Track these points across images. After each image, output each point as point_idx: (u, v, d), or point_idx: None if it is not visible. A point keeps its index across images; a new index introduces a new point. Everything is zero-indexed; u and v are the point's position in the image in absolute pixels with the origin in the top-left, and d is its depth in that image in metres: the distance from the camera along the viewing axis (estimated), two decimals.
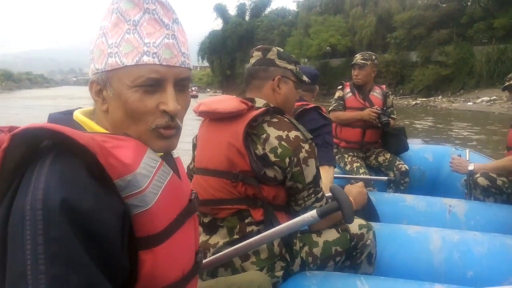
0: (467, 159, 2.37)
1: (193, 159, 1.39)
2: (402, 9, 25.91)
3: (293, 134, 1.14)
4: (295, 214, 1.18)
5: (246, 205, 1.15)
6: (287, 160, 1.11)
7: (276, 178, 1.14)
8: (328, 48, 28.38)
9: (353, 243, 1.27)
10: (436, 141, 7.38)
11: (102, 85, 0.65)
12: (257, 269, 1.12)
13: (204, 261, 1.01)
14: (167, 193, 0.64)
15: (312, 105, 1.83)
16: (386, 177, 2.39)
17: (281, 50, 1.28)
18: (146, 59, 0.62)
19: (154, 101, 0.63)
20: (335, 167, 1.87)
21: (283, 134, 1.13)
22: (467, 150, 2.59)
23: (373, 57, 2.69)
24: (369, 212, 1.79)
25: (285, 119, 1.19)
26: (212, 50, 42.48)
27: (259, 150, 1.13)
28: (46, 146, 0.58)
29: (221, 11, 43.50)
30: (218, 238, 1.18)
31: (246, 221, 1.16)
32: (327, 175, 1.64)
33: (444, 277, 1.36)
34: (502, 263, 1.37)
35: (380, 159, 2.67)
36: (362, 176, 2.38)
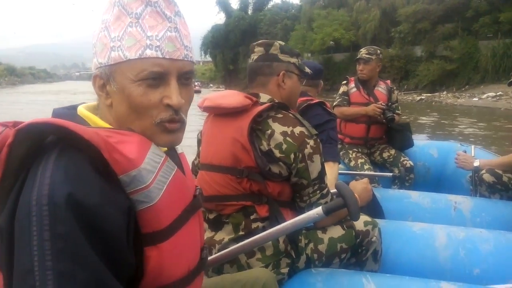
0: (473, 155, 2.35)
1: (198, 155, 1.38)
2: (406, 2, 25.68)
3: (298, 129, 1.13)
4: (300, 210, 1.18)
5: (251, 201, 1.15)
6: (292, 156, 1.11)
7: (281, 174, 1.13)
8: (331, 42, 28.18)
9: (358, 240, 1.26)
10: (441, 137, 7.35)
11: (106, 79, 0.64)
12: (262, 265, 1.12)
13: (209, 258, 1.01)
14: (172, 189, 0.64)
15: (317, 101, 1.81)
16: (391, 173, 2.37)
17: (283, 43, 1.27)
18: (149, 52, 0.61)
19: (158, 95, 0.63)
20: (339, 163, 1.86)
21: (288, 129, 1.12)
22: (473, 146, 2.56)
23: (378, 51, 2.66)
24: (374, 208, 1.78)
25: (290, 115, 1.18)
26: (214, 44, 42.34)
27: (264, 146, 1.12)
28: (51, 141, 0.58)
29: (223, 4, 43.29)
30: (223, 235, 1.18)
31: (251, 217, 1.15)
32: (332, 171, 1.63)
33: (450, 275, 1.35)
34: (508, 260, 1.37)
35: (385, 155, 2.66)
36: (366, 172, 2.37)
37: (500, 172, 2.06)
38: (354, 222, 1.26)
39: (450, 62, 21.87)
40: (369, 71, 2.62)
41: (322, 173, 1.16)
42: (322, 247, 1.20)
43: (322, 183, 1.17)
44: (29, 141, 0.56)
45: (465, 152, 2.34)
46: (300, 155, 1.11)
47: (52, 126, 0.56)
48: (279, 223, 1.07)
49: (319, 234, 1.22)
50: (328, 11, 29.19)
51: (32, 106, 16.57)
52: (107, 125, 0.65)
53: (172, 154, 0.73)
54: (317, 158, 1.14)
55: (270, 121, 1.14)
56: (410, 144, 2.70)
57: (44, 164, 0.55)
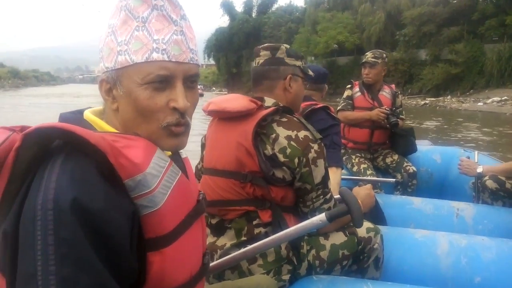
0: (476, 161, 2.34)
1: (202, 159, 1.38)
2: (411, 5, 25.56)
3: (302, 134, 1.13)
4: (303, 215, 1.18)
5: (254, 206, 1.15)
6: (296, 160, 1.11)
7: (285, 178, 1.13)
8: (335, 45, 28.12)
9: (360, 246, 1.26)
10: (445, 142, 7.30)
11: (112, 83, 0.65)
12: (263, 272, 1.12)
13: (211, 264, 1.00)
14: (176, 194, 0.64)
15: (321, 105, 1.81)
16: (394, 179, 2.36)
17: (288, 47, 1.27)
18: (155, 55, 0.62)
19: (164, 98, 0.63)
20: (342, 168, 1.85)
21: (293, 134, 1.12)
22: (476, 152, 2.55)
23: (384, 55, 2.66)
24: (376, 214, 1.77)
25: (295, 119, 1.18)
26: (218, 47, 42.34)
27: (268, 150, 1.12)
28: (57, 145, 0.58)
29: (228, 7, 43.33)
30: (225, 240, 1.18)
31: (254, 222, 1.15)
32: (335, 176, 1.63)
33: (452, 283, 1.35)
34: (510, 268, 1.36)
35: (388, 160, 2.65)
36: (369, 177, 2.36)
37: (503, 178, 2.04)
38: (357, 229, 1.26)
39: (455, 65, 21.72)
40: (374, 75, 2.62)
41: (326, 178, 1.16)
42: (324, 254, 1.20)
43: (326, 188, 1.17)
44: (36, 146, 0.57)
45: (468, 158, 2.32)
46: (304, 160, 1.11)
47: (59, 131, 0.57)
48: (281, 229, 1.07)
49: (321, 240, 1.22)
50: (333, 14, 29.13)
51: (36, 109, 16.43)
52: (113, 130, 0.66)
53: (176, 159, 0.73)
54: (321, 162, 1.14)
55: (274, 125, 1.14)
56: (414, 149, 2.69)
57: (50, 168, 0.55)
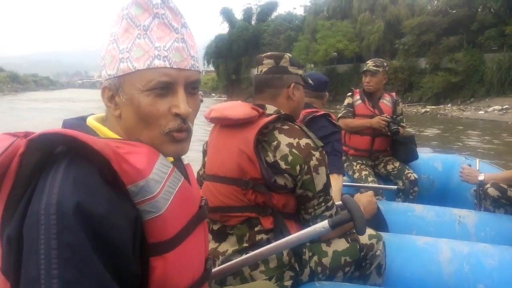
0: (477, 169, 2.33)
1: (203, 166, 1.39)
2: (411, 14, 25.76)
3: (304, 141, 1.14)
4: (305, 222, 1.18)
5: (256, 213, 1.15)
6: (297, 167, 1.11)
7: (286, 186, 1.13)
8: (334, 53, 28.30)
9: (362, 253, 1.26)
10: (446, 150, 7.30)
11: (114, 90, 0.65)
12: (265, 278, 1.11)
13: (213, 270, 1.00)
14: (178, 199, 0.65)
15: (322, 112, 1.82)
16: (395, 186, 2.36)
17: (290, 56, 1.29)
18: (157, 62, 0.62)
19: (166, 104, 0.64)
20: (344, 175, 1.85)
21: (294, 141, 1.13)
22: (477, 160, 2.55)
23: (385, 64, 2.68)
24: (378, 221, 1.77)
25: (296, 127, 1.19)
26: (218, 54, 42.58)
27: (270, 158, 1.13)
28: (61, 151, 0.59)
29: (227, 15, 43.66)
30: (227, 246, 1.18)
31: (256, 229, 1.15)
32: (336, 183, 1.63)
33: None
34: None
35: (389, 167, 2.65)
36: (370, 184, 2.36)
37: (505, 186, 2.04)
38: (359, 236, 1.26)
39: (455, 74, 21.81)
40: (375, 83, 2.64)
41: (327, 185, 1.17)
42: (326, 260, 1.20)
43: (327, 195, 1.17)
44: (40, 151, 0.57)
45: (469, 165, 2.32)
46: (306, 167, 1.11)
47: (63, 137, 0.57)
48: (283, 235, 1.07)
49: (323, 247, 1.22)
50: (332, 22, 29.34)
51: (35, 113, 16.20)
52: (116, 136, 0.67)
53: (179, 165, 0.73)
54: (322, 170, 1.14)
55: (276, 132, 1.15)
56: (415, 156, 2.70)
57: (54, 173, 0.56)
